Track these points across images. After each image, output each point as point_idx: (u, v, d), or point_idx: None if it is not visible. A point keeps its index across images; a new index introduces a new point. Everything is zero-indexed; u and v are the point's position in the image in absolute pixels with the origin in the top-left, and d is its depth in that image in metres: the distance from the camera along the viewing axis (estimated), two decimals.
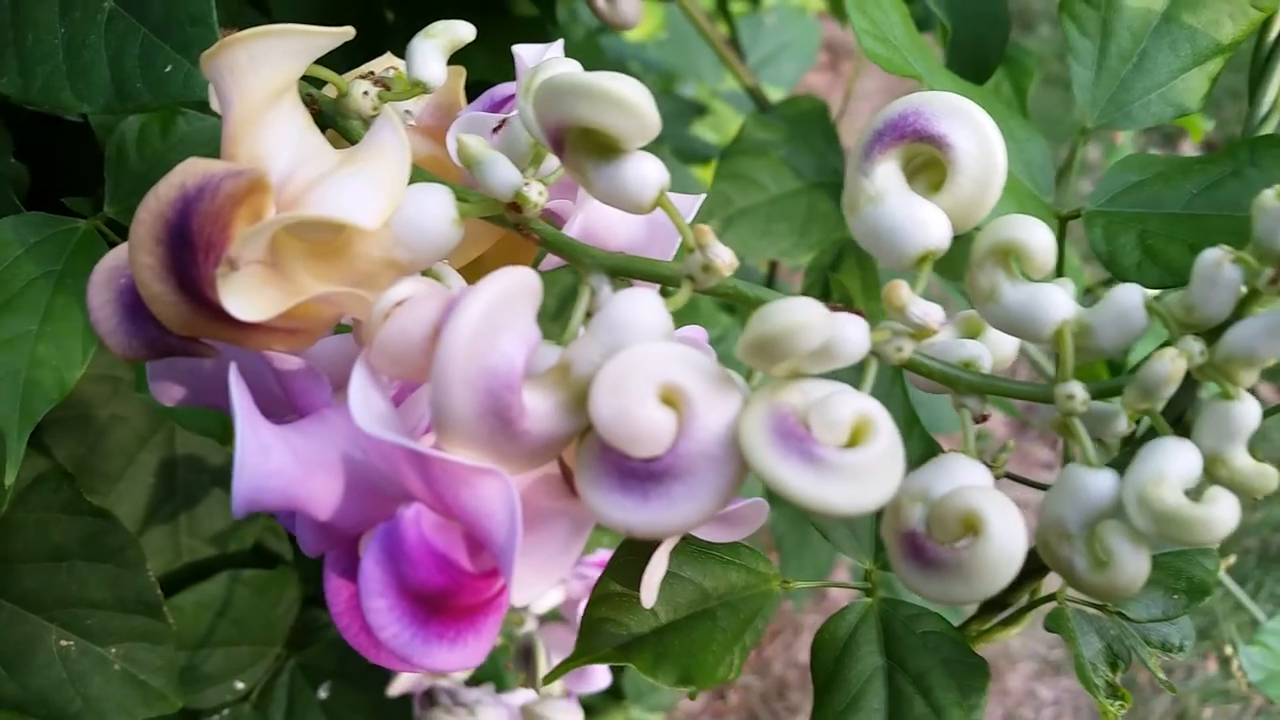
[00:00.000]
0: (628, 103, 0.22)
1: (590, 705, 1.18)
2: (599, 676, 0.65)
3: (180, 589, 0.61)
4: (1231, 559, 0.71)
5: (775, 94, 0.85)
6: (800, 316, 0.21)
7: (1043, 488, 0.34)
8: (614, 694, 1.15)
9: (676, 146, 0.91)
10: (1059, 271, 0.35)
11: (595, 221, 0.30)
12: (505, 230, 0.28)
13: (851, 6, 0.30)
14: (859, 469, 0.21)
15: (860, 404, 0.22)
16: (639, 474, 0.22)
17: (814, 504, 0.21)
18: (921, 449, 0.36)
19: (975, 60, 0.39)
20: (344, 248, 0.25)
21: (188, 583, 0.61)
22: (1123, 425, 0.25)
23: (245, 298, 0.23)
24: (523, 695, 0.65)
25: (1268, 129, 0.34)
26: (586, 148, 0.23)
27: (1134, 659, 0.33)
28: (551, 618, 0.65)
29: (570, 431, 0.23)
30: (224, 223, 0.23)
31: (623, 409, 0.22)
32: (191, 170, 0.24)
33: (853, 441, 0.21)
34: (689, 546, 0.32)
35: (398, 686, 0.61)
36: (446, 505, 0.23)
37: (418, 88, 0.28)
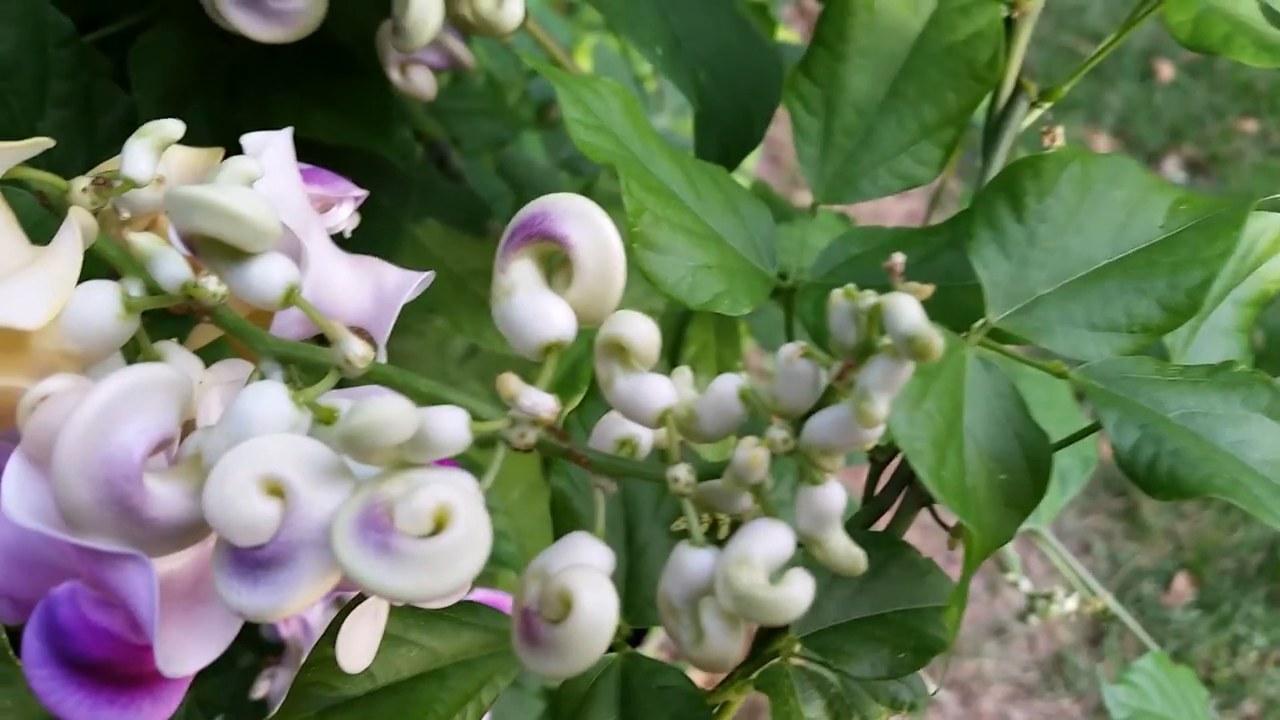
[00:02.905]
0: (237, 214, 0.24)
1: None
2: None
3: None
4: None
5: None
6: (382, 413, 0.23)
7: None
8: None
9: (605, 186, 0.93)
10: (788, 338, 0.37)
11: (323, 293, 0.31)
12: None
13: (563, 96, 0.32)
14: (431, 557, 0.22)
15: (442, 493, 0.23)
16: (248, 560, 0.24)
17: (383, 591, 0.22)
18: (676, 506, 0.37)
19: (735, 131, 0.40)
20: (24, 343, 0.27)
21: None
22: (746, 502, 0.26)
23: None
24: None
25: None
26: (217, 251, 0.25)
27: (857, 717, 0.34)
28: None
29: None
30: None
31: (225, 499, 0.23)
32: None
33: (436, 529, 0.23)
34: (416, 610, 0.34)
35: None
36: (98, 583, 0.25)
37: (128, 184, 0.30)
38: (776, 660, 0.35)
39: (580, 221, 0.26)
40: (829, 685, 0.35)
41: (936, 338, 0.22)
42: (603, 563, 0.25)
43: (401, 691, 0.32)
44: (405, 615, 0.33)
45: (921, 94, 0.36)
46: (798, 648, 0.35)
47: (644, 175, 0.32)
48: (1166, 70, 2.37)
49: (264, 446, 0.24)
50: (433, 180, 0.60)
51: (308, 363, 0.27)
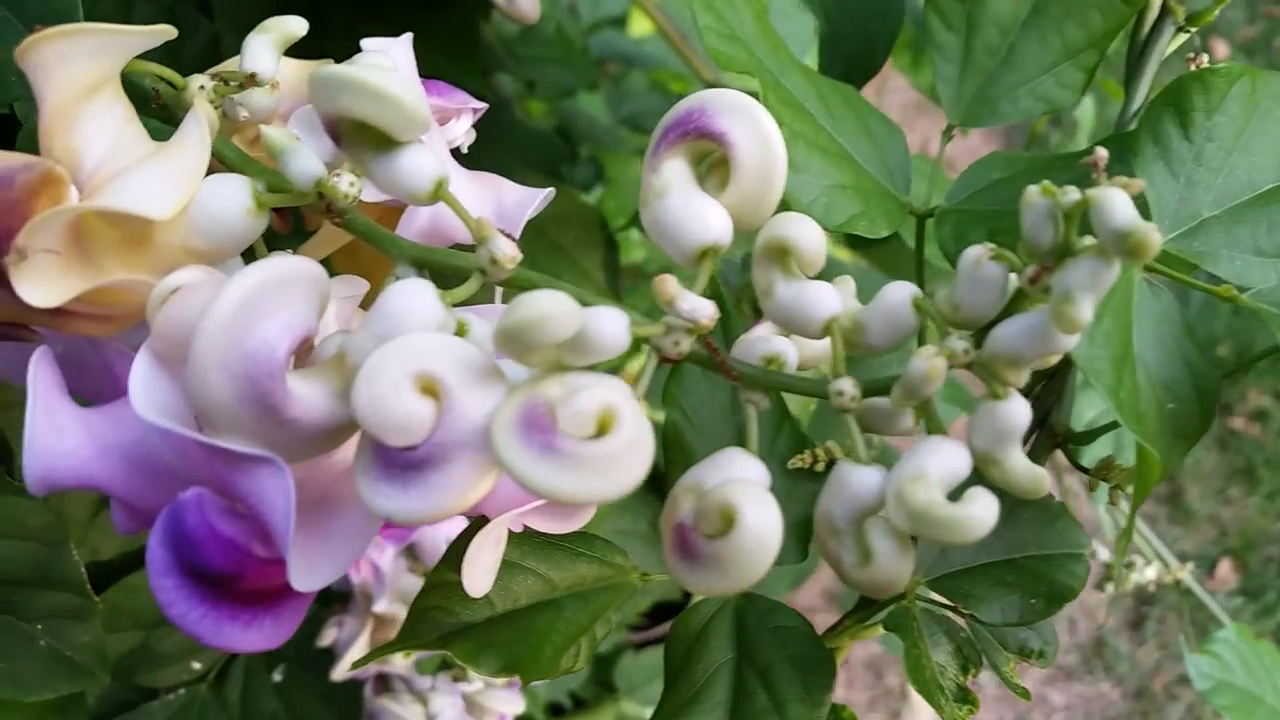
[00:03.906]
0: (389, 96, 0.23)
1: (581, 699, 1.18)
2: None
3: (136, 569, 0.62)
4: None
5: None
6: (546, 308, 0.21)
7: None
8: (606, 687, 1.16)
9: None
10: (918, 271, 0.35)
11: (442, 214, 0.30)
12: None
13: (697, 5, 0.30)
14: (597, 460, 0.21)
15: (606, 395, 0.22)
16: (398, 462, 0.22)
17: (551, 493, 0.21)
18: (791, 445, 0.36)
19: (858, 56, 0.39)
20: (148, 236, 0.25)
21: (143, 563, 0.63)
22: (908, 422, 0.25)
23: (36, 284, 0.24)
24: (474, 684, 0.66)
25: None
26: (362, 140, 0.24)
27: (985, 663, 0.33)
28: None
29: (346, 419, 0.24)
30: (21, 213, 0.24)
31: (377, 397, 0.22)
32: None
33: (599, 433, 0.22)
34: (534, 537, 0.32)
35: (338, 671, 0.62)
36: (227, 490, 0.24)
37: (250, 81, 0.29)
38: (903, 603, 0.33)
39: (740, 117, 0.24)
40: (957, 630, 0.33)
41: (1153, 233, 0.20)
42: (761, 477, 0.24)
43: (520, 620, 0.31)
44: (523, 542, 0.32)
45: (1066, 12, 0.34)
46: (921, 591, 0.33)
47: (778, 88, 0.31)
48: None
49: (417, 344, 0.22)
50: (513, 122, 0.59)
51: (446, 267, 0.26)
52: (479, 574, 0.29)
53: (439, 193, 0.24)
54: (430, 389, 0.22)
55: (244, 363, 0.22)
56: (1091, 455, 0.37)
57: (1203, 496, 1.71)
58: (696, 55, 0.68)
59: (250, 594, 0.25)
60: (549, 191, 0.32)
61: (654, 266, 1.04)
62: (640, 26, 1.22)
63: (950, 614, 0.33)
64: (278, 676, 0.66)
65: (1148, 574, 0.67)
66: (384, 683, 0.66)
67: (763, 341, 0.26)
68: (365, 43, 0.31)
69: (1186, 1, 0.34)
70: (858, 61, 0.39)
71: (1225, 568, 1.66)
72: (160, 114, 0.30)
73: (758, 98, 0.31)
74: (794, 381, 0.24)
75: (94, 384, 0.28)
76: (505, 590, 0.31)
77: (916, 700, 1.55)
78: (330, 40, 0.57)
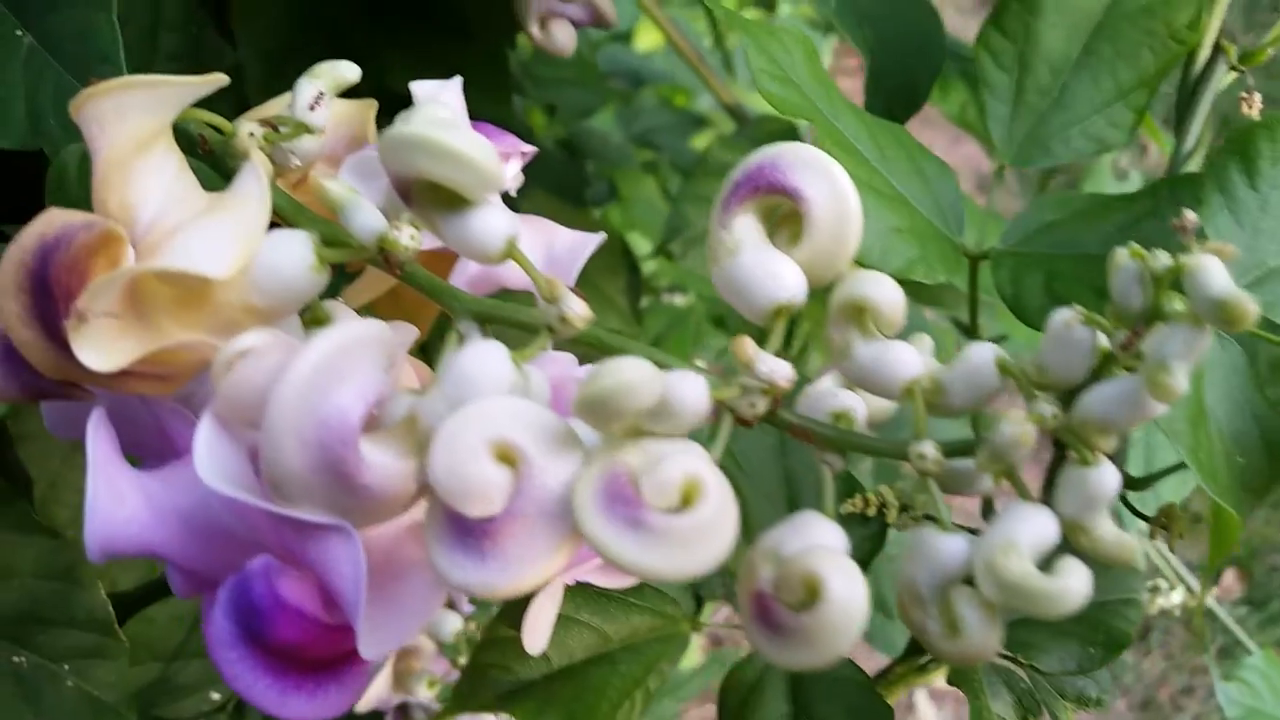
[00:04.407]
0: (466, 158, 0.22)
1: None
2: None
3: (154, 600, 0.62)
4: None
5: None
6: (630, 376, 0.21)
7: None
8: None
9: (675, 160, 0.91)
10: (971, 317, 0.35)
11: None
12: None
13: (750, 46, 0.30)
14: (685, 534, 0.21)
15: (690, 465, 0.21)
16: (475, 532, 0.22)
17: (639, 570, 0.21)
18: (842, 489, 0.36)
19: (901, 92, 0.38)
20: (206, 295, 0.25)
21: (162, 595, 0.62)
22: (987, 484, 0.24)
23: (97, 348, 0.23)
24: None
25: (1193, 166, 0.33)
26: (433, 199, 0.23)
27: (1045, 713, 0.32)
28: None
29: (417, 484, 0.23)
30: (80, 273, 0.24)
31: (455, 466, 0.21)
32: (51, 220, 0.24)
33: (684, 503, 0.21)
34: (587, 589, 0.32)
35: (365, 703, 0.61)
36: (295, 558, 0.24)
37: (299, 129, 0.28)
38: None
39: (813, 173, 0.24)
40: (1017, 680, 0.33)
41: (1250, 303, 0.20)
42: (840, 544, 0.23)
43: (576, 676, 0.30)
44: (576, 595, 0.31)
45: (1117, 53, 0.34)
46: None
47: (833, 131, 0.30)
48: None
49: (492, 409, 0.22)
50: (540, 150, 0.58)
51: (512, 322, 0.25)
52: (539, 631, 0.29)
53: (511, 251, 0.24)
54: (507, 456, 0.22)
55: (318, 431, 0.22)
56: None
57: (1207, 505, 1.71)
58: (713, 74, 0.68)
59: (315, 662, 0.25)
60: (599, 236, 0.32)
61: (664, 282, 1.03)
62: (646, 41, 1.21)
63: (1010, 664, 0.33)
64: None
65: (1173, 599, 0.66)
66: (405, 713, 0.66)
67: (830, 396, 0.26)
68: (416, 89, 0.30)
69: (1238, 41, 0.34)
70: (900, 97, 0.39)
71: (1230, 577, 1.66)
72: (207, 159, 0.30)
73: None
74: (872, 443, 0.24)
75: (144, 440, 0.28)
76: (561, 646, 0.31)
77: (923, 710, 1.54)
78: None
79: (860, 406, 0.26)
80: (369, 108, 0.33)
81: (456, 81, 0.31)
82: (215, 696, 0.65)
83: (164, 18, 0.47)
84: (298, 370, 0.21)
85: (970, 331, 0.35)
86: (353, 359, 0.22)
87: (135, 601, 0.62)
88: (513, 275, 0.31)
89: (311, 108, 0.29)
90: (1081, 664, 0.32)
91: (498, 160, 0.23)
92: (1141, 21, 0.34)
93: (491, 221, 0.23)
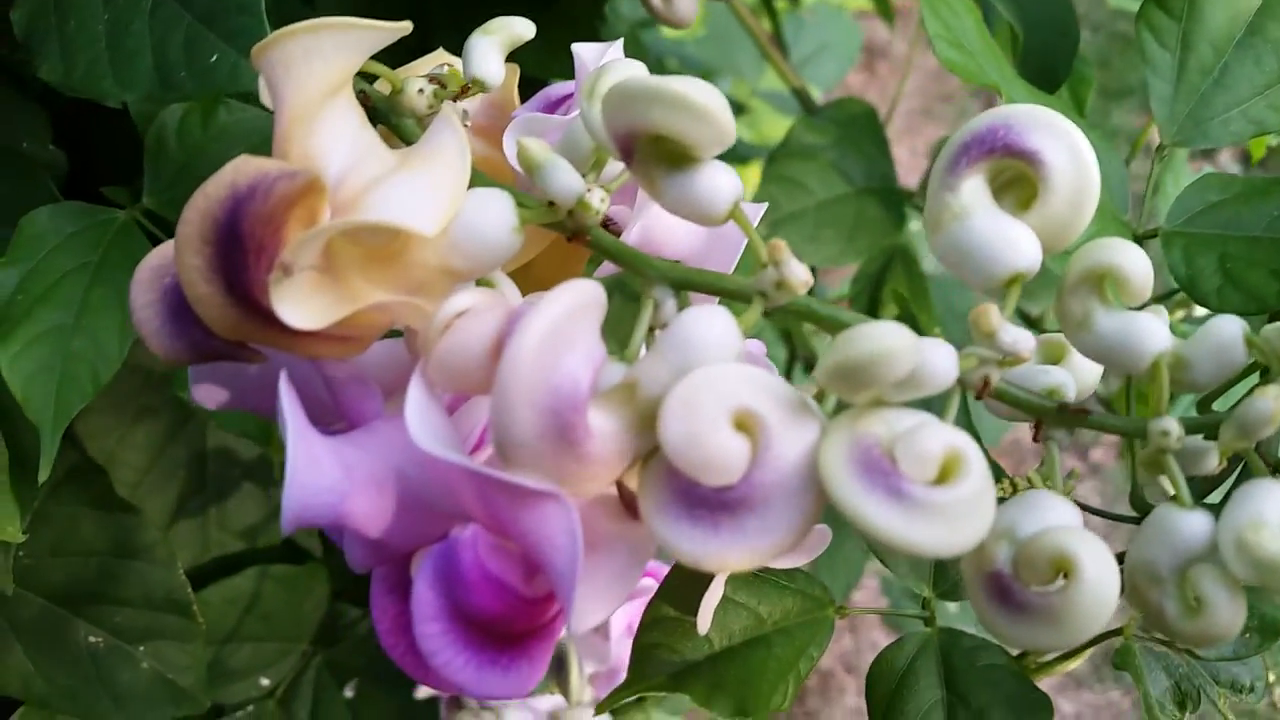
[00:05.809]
0: (705, 110, 0.21)
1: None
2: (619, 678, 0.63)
3: (208, 583, 0.60)
4: None
5: (815, 95, 0.83)
6: (889, 343, 0.20)
7: (1116, 518, 0.33)
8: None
9: None
10: None
11: (654, 229, 0.28)
12: (554, 235, 0.27)
13: (926, 10, 0.29)
14: (949, 509, 0.20)
15: (951, 437, 0.20)
16: (710, 503, 0.21)
17: (902, 544, 0.20)
18: None
19: (1045, 70, 0.38)
20: (399, 254, 0.24)
21: (216, 577, 0.60)
22: (1213, 463, 0.24)
23: (299, 305, 0.22)
24: (550, 701, 0.64)
25: None
26: (658, 156, 0.22)
27: (1203, 699, 0.32)
28: None
29: (634, 453, 0.22)
30: (277, 225, 0.22)
31: (695, 434, 0.20)
32: (243, 169, 0.23)
33: (941, 478, 0.20)
34: (744, 571, 0.31)
35: (424, 689, 0.60)
36: (504, 527, 0.22)
37: (475, 86, 0.27)
38: (1120, 639, 0.32)
39: (1052, 135, 0.23)
40: (1175, 666, 0.32)
41: None
42: (1079, 522, 0.22)
43: (738, 658, 0.29)
44: (733, 576, 0.30)
45: None
46: (1138, 629, 0.32)
47: (1008, 99, 0.29)
48: None
49: (729, 377, 0.21)
50: None
51: (715, 289, 0.24)
52: (707, 610, 0.28)
53: (735, 213, 0.23)
54: (746, 425, 0.21)
55: (550, 397, 0.21)
56: None
57: None
58: (781, 59, 0.67)
59: (509, 637, 0.24)
60: (763, 206, 0.31)
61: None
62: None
63: (1166, 650, 0.32)
64: (349, 692, 0.64)
65: None
66: (458, 701, 0.64)
67: (1043, 373, 0.25)
68: (577, 49, 0.29)
69: None
70: (1044, 78, 0.38)
71: None
72: (369, 116, 0.28)
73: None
74: (1107, 421, 0.23)
75: (313, 407, 0.26)
76: (722, 626, 0.30)
77: None
78: (436, 37, 0.55)
79: (1071, 383, 0.25)
80: (513, 73, 0.31)
81: (618, 44, 0.30)
82: (265, 682, 0.63)
83: None
84: (530, 335, 0.20)
85: None
86: (578, 323, 0.21)
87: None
88: (668, 242, 0.30)
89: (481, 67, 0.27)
90: (1237, 650, 0.32)
91: (731, 116, 0.22)
92: None
93: (719, 180, 0.22)
